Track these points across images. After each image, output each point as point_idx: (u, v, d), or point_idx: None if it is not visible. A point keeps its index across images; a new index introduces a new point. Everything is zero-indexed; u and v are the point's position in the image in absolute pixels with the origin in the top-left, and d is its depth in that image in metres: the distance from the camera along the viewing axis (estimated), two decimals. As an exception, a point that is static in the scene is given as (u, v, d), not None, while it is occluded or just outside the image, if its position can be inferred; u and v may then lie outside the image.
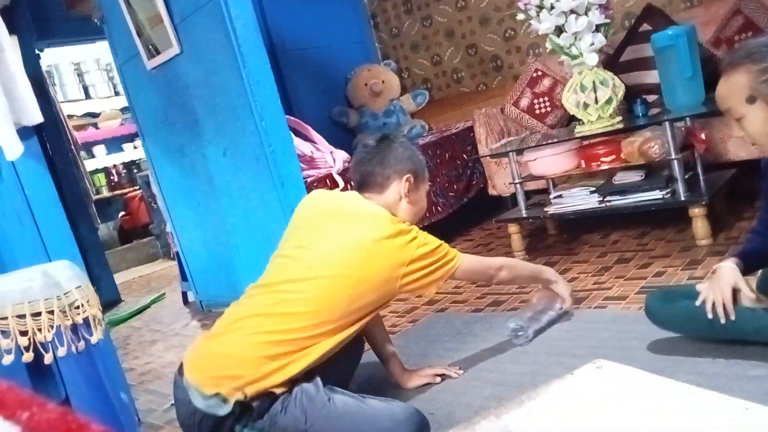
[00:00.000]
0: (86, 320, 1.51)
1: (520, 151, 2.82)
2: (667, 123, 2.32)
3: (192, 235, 3.22)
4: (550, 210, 2.71)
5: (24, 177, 1.80)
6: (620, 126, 2.51)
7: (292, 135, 2.73)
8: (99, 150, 6.25)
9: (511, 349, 1.88)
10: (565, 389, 1.32)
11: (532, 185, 3.09)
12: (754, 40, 1.36)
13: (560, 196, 2.69)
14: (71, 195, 3.85)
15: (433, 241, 1.56)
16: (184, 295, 3.65)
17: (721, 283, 1.43)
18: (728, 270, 1.44)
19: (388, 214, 1.56)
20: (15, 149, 1.74)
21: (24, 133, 1.82)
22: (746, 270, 1.48)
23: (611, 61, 3.06)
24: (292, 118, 2.82)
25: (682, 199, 2.35)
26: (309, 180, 2.69)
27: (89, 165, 5.68)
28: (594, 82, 2.53)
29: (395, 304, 2.66)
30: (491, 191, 3.45)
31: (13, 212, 1.79)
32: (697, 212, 2.32)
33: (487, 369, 1.78)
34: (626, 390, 1.25)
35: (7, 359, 1.40)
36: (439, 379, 1.77)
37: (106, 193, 6.08)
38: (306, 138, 2.85)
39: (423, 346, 2.10)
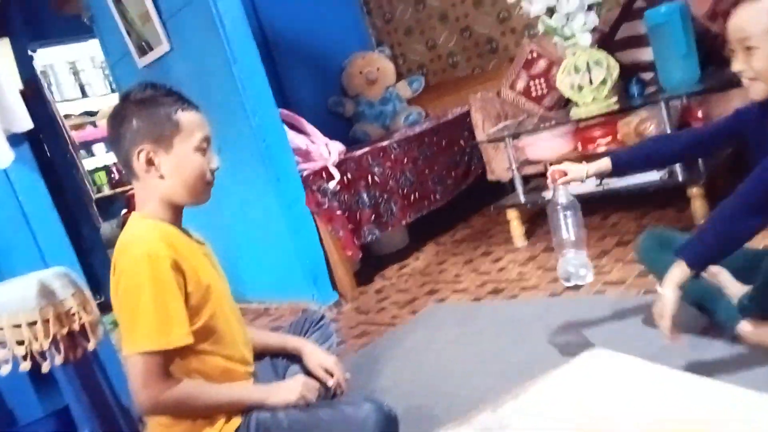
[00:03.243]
0: (82, 327, 1.51)
1: (516, 136, 2.80)
2: (662, 102, 2.29)
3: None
4: (548, 195, 2.69)
5: (17, 184, 1.80)
6: (616, 107, 2.48)
7: (287, 129, 2.72)
8: (99, 148, 6.23)
9: (511, 338, 1.87)
10: (559, 380, 1.31)
11: (531, 169, 3.07)
12: None
13: (558, 180, 2.67)
14: (72, 196, 3.86)
15: (155, 291, 1.22)
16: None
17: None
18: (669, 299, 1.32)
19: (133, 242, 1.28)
20: (6, 157, 1.74)
21: (15, 139, 1.81)
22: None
23: (606, 40, 3.02)
24: (285, 111, 2.80)
25: (680, 179, 2.33)
26: (305, 173, 2.68)
27: (89, 164, 5.67)
28: (588, 63, 2.50)
29: (395, 295, 2.67)
30: (490, 176, 3.43)
31: (6, 219, 1.79)
32: (695, 192, 2.30)
33: (487, 359, 1.78)
34: (621, 378, 1.25)
35: (5, 369, 1.40)
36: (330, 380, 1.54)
37: (107, 191, 6.07)
38: (300, 131, 2.83)
39: (424, 336, 2.10)
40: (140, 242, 1.29)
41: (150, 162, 1.32)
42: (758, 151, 1.43)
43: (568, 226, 1.59)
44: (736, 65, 1.35)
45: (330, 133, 3.42)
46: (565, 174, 1.59)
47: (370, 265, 3.11)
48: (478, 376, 1.69)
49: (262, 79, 2.54)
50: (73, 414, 1.48)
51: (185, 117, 1.35)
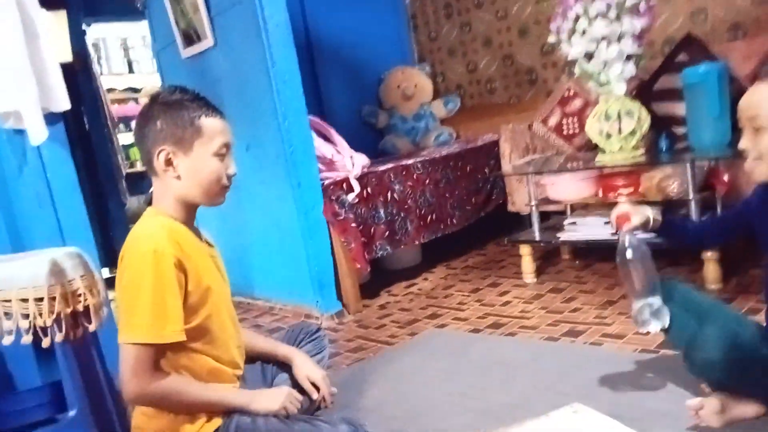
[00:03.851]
0: (87, 308, 1.57)
1: (539, 173, 2.80)
2: (688, 162, 2.28)
3: (211, 223, 3.28)
4: (563, 236, 2.69)
5: (47, 161, 1.87)
6: (641, 160, 2.47)
7: (315, 135, 2.77)
8: (137, 124, 6.40)
9: (500, 377, 1.88)
10: (536, 430, 1.33)
11: (551, 207, 3.07)
12: None
13: (574, 223, 2.67)
14: (103, 170, 3.98)
15: (155, 287, 1.28)
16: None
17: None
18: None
19: (142, 238, 1.35)
20: (40, 134, 1.81)
21: (51, 117, 1.89)
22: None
23: (644, 88, 3.01)
24: (315, 119, 2.85)
25: (696, 241, 2.31)
26: (326, 182, 2.72)
27: (126, 138, 5.83)
28: (620, 111, 2.50)
29: (398, 314, 2.69)
30: (510, 207, 3.44)
31: (33, 195, 1.87)
32: (709, 256, 2.28)
33: (473, 396, 1.79)
34: (595, 440, 1.26)
35: (8, 340, 1.47)
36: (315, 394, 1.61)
37: (140, 166, 6.23)
38: (328, 139, 2.88)
39: (417, 361, 2.12)
40: (149, 239, 1.34)
41: (169, 162, 1.38)
42: (764, 235, 1.43)
43: (639, 273, 1.50)
44: (743, 143, 1.35)
45: (359, 142, 3.47)
46: (629, 219, 1.54)
47: (378, 278, 3.15)
48: (459, 412, 1.70)
49: (296, 85, 2.60)
50: (65, 390, 1.54)
51: (208, 123, 1.41)
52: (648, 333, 1.52)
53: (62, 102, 1.90)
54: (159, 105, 1.39)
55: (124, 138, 5.60)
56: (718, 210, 2.44)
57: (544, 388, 1.76)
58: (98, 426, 1.58)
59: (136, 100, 6.43)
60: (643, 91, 2.96)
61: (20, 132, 1.89)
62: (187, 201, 1.44)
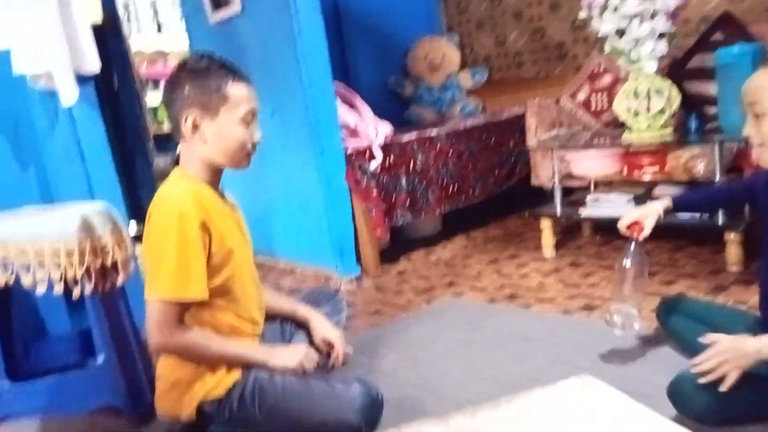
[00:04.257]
0: (114, 263, 1.63)
1: (563, 147, 2.79)
2: (716, 143, 2.25)
3: (234, 185, 3.33)
4: (584, 212, 2.69)
5: (78, 120, 1.92)
6: (668, 139, 2.44)
7: (339, 103, 2.78)
8: (165, 86, 6.45)
9: (515, 349, 1.91)
10: (543, 399, 1.36)
11: (576, 182, 3.05)
12: None
13: (597, 200, 2.66)
14: (131, 130, 4.03)
15: (180, 247, 1.33)
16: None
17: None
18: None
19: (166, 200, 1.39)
20: (72, 95, 1.86)
21: (82, 78, 1.93)
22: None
23: (677, 67, 2.95)
24: (341, 85, 2.85)
25: (719, 223, 2.29)
26: (349, 150, 2.74)
27: (154, 99, 5.89)
28: (649, 90, 2.46)
29: (415, 281, 2.73)
30: (534, 181, 3.42)
31: (64, 152, 1.93)
32: (732, 238, 2.26)
33: (488, 365, 1.82)
34: (601, 410, 1.28)
35: (41, 288, 1.54)
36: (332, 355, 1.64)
37: (167, 128, 6.31)
38: (352, 107, 2.89)
39: (432, 329, 2.15)
40: (175, 200, 1.39)
41: (195, 127, 1.42)
42: (766, 221, 1.42)
43: (630, 282, 1.65)
44: (746, 129, 1.34)
45: (384, 112, 3.47)
46: (642, 228, 1.65)
47: (398, 245, 3.18)
48: (473, 381, 1.74)
49: (323, 53, 2.60)
50: (93, 338, 1.62)
51: (234, 89, 1.43)
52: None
53: (93, 63, 1.94)
54: (187, 72, 1.42)
55: (152, 98, 5.67)
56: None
57: (560, 361, 1.79)
58: (124, 372, 1.66)
59: (165, 60, 6.49)
60: (676, 69, 2.90)
61: (52, 93, 1.94)
62: (213, 164, 1.48)
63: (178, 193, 1.41)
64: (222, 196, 1.57)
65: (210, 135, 1.42)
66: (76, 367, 1.70)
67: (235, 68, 1.46)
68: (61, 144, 1.90)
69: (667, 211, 1.69)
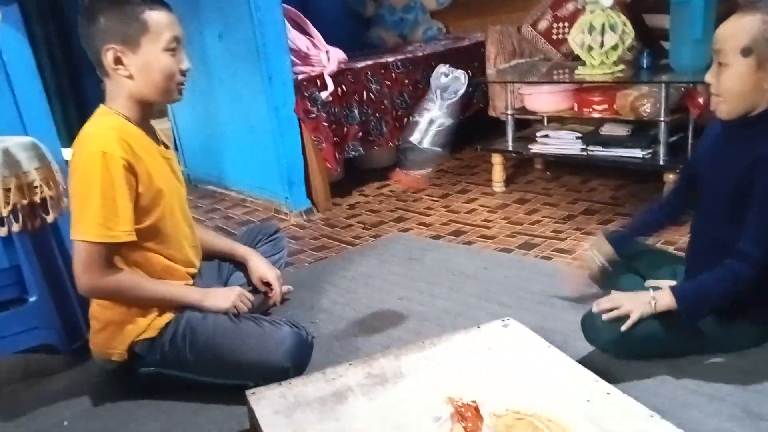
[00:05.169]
0: (43, 200, 1.60)
1: (517, 82, 2.76)
2: (663, 84, 2.25)
3: (184, 108, 3.25)
4: (534, 148, 2.70)
5: (2, 45, 1.81)
6: (619, 76, 2.43)
7: (290, 27, 2.67)
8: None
9: (449, 284, 1.97)
10: (466, 341, 1.42)
11: (531, 116, 3.04)
12: None
13: (546, 136, 2.67)
14: (79, 48, 3.84)
15: (104, 188, 1.31)
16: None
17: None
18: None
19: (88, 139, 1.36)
20: (-8, 16, 1.74)
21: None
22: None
23: (639, -1, 2.89)
24: (292, 9, 2.73)
25: (660, 163, 2.33)
26: (299, 77, 2.66)
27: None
28: (604, 24, 2.41)
29: (365, 215, 2.75)
30: (491, 112, 3.40)
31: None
32: (671, 178, 2.30)
33: (419, 302, 1.88)
34: (518, 354, 1.35)
35: (-34, 226, 1.51)
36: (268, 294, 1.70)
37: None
38: (304, 32, 2.78)
39: (375, 264, 2.19)
40: (98, 139, 1.35)
41: (118, 61, 1.36)
42: (704, 175, 1.45)
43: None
44: (708, 75, 1.33)
45: (344, 34, 3.35)
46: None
47: (352, 177, 3.17)
48: (404, 316, 1.80)
49: (271, -27, 2.47)
50: (24, 277, 1.61)
51: (153, 17, 1.36)
52: None
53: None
54: (99, 2, 1.34)
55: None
56: (689, 131, 2.43)
57: (488, 298, 1.85)
58: (59, 311, 1.67)
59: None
60: (638, 1, 2.84)
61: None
62: (142, 100, 1.43)
63: (101, 132, 1.37)
64: (153, 134, 1.53)
65: (134, 69, 1.37)
66: (13, 303, 1.68)
67: None
68: (-17, 72, 1.80)
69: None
